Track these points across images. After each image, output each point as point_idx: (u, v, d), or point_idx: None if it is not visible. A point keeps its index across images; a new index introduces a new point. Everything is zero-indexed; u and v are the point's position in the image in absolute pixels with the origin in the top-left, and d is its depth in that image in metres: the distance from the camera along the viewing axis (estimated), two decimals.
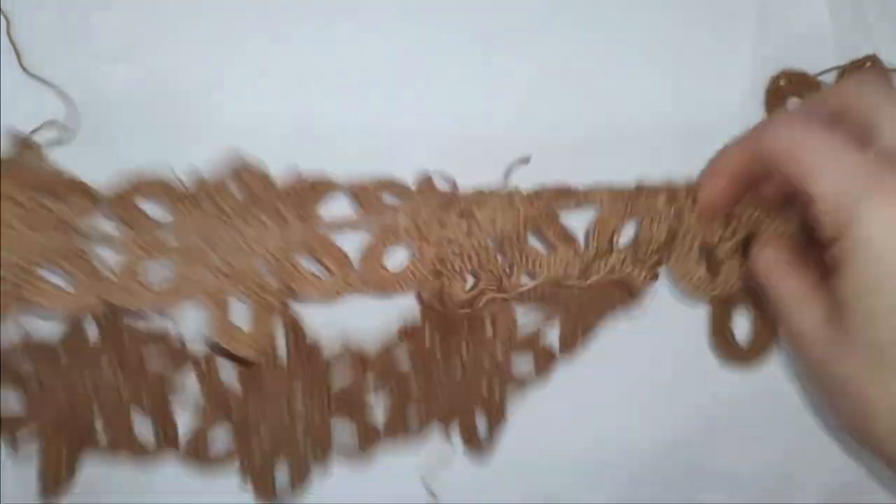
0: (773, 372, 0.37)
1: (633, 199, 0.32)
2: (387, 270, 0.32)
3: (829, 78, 0.36)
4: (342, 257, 0.32)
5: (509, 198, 0.32)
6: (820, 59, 0.36)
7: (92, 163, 0.34)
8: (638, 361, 0.36)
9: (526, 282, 0.33)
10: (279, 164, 0.34)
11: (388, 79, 0.35)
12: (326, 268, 0.32)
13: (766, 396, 0.37)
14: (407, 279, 0.32)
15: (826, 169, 0.24)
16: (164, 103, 0.34)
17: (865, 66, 0.35)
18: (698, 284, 0.33)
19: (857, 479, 0.37)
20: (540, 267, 0.32)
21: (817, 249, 0.26)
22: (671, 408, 0.37)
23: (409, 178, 0.34)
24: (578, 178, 0.34)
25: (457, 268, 0.32)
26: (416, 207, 0.32)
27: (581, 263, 0.32)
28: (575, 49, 0.36)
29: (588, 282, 0.33)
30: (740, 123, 0.35)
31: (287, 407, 0.33)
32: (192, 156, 0.34)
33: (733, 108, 0.36)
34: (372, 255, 0.32)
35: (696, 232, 0.32)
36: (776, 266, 0.28)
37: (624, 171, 0.34)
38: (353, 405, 0.33)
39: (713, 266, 0.33)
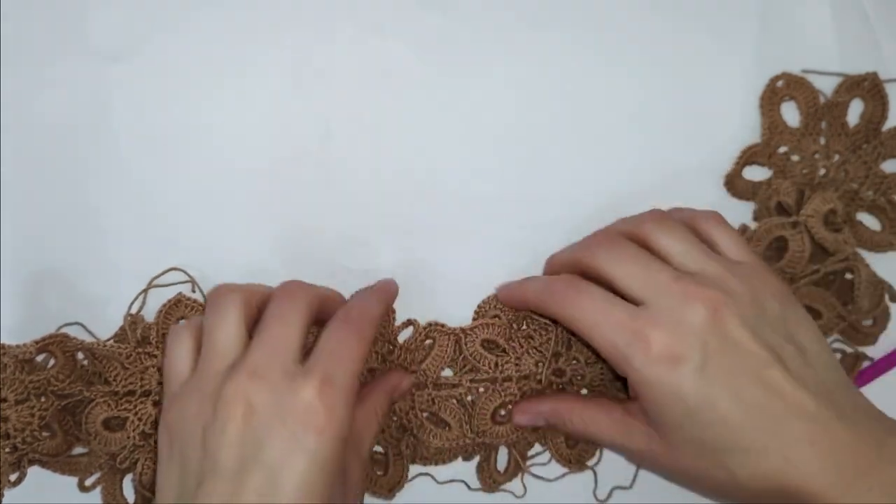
0: None
1: None
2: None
3: (829, 82, 0.36)
4: None
5: None
6: (822, 59, 0.36)
7: (92, 162, 0.34)
8: None
9: None
10: (279, 164, 0.35)
11: (387, 78, 0.35)
12: None
13: None
14: None
15: (597, 324, 0.29)
16: (163, 102, 0.35)
17: (864, 83, 0.35)
18: None
19: None
20: None
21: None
22: None
23: (409, 177, 0.35)
24: (576, 175, 0.35)
25: None
26: None
27: None
28: (576, 48, 0.36)
29: None
30: (741, 125, 0.36)
31: None
32: (191, 156, 0.35)
33: (734, 110, 0.36)
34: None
35: None
36: (592, 423, 0.31)
37: (622, 171, 0.35)
38: None
39: None
